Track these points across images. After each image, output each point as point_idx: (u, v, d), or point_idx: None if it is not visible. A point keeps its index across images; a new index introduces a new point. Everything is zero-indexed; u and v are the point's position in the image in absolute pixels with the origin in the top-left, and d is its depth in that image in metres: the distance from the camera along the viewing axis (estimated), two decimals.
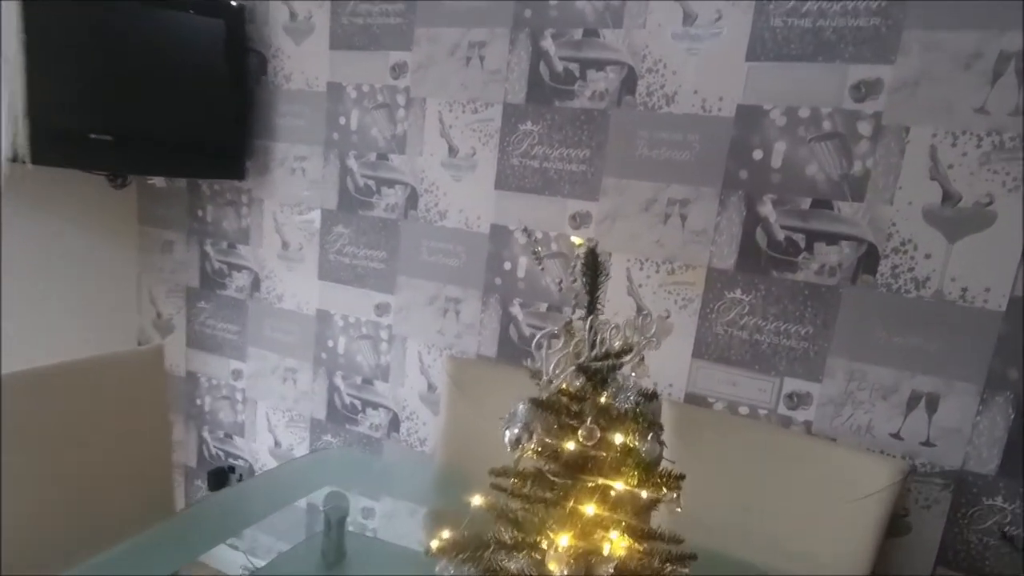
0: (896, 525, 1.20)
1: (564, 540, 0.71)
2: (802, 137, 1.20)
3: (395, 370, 1.70)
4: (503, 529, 0.77)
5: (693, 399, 1.36)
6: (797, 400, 1.28)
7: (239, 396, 1.97)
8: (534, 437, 0.73)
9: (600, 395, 0.71)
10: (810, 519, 1.13)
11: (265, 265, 1.83)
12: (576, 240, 0.83)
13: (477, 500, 0.78)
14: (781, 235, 1.24)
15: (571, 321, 0.73)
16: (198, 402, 2.05)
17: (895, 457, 1.19)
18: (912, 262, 1.15)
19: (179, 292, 2.00)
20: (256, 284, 1.86)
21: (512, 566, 0.72)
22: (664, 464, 0.70)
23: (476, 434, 1.29)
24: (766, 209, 1.25)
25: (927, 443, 1.18)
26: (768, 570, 1.08)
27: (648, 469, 0.68)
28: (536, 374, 0.73)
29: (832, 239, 1.20)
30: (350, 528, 1.25)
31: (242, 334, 1.92)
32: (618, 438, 0.70)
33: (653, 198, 1.33)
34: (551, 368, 0.70)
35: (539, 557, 0.73)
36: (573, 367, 0.71)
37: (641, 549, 0.75)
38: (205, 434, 2.07)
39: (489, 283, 1.53)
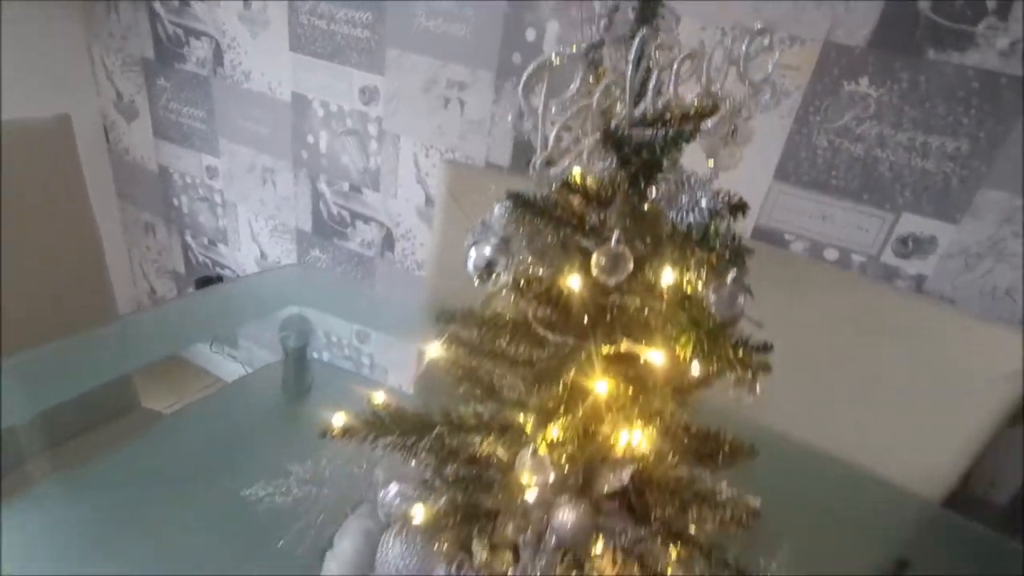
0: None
1: (554, 431, 0.43)
2: None
3: (386, 177, 1.38)
4: (464, 400, 0.50)
5: (764, 234, 1.01)
6: (913, 246, 0.92)
7: (217, 199, 1.71)
8: (514, 262, 0.42)
9: (641, 195, 0.38)
10: (908, 408, 0.84)
11: (226, 31, 1.44)
12: None
13: (433, 350, 0.50)
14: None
15: (597, 45, 0.37)
16: (175, 203, 1.80)
17: None
18: None
19: (135, 65, 1.64)
20: (219, 56, 1.48)
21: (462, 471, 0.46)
22: (742, 327, 0.39)
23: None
24: None
25: None
26: (846, 467, 0.82)
27: (714, 336, 0.37)
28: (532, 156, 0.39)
29: None
30: (315, 355, 1.04)
31: (210, 122, 1.59)
32: (666, 275, 0.38)
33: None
34: (550, 137, 0.36)
35: (511, 451, 0.46)
36: (595, 136, 0.37)
37: (675, 451, 0.47)
38: (188, 239, 1.85)
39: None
